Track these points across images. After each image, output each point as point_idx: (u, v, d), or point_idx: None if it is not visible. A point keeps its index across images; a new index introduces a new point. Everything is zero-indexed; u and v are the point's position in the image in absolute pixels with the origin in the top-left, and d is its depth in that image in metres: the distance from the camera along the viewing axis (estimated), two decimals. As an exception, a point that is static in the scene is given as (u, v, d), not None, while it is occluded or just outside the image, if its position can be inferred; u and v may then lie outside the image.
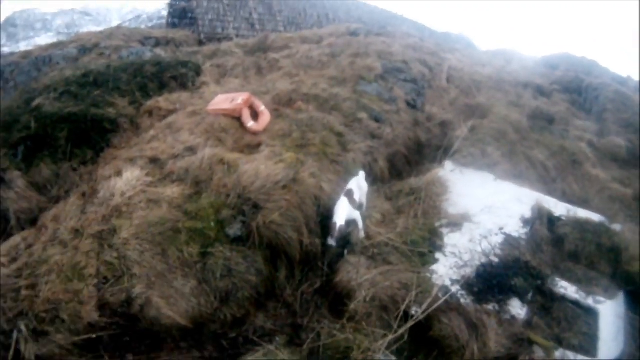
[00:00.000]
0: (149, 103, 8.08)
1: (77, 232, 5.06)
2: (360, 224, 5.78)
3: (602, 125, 11.79)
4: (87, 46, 13.24)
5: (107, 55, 12.19)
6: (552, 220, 6.71)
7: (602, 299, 5.63)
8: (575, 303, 5.59)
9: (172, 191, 5.57)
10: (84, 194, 5.90)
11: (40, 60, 12.65)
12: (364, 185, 6.22)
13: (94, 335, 4.33)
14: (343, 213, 5.45)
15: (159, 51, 11.96)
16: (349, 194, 5.70)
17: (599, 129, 11.53)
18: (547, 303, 5.50)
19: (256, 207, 5.51)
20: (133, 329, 4.53)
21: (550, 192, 7.55)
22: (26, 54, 13.83)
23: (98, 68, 9.33)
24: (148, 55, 11.22)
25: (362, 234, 5.74)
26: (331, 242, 5.40)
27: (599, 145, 10.41)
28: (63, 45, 13.90)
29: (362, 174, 6.27)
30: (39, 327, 4.19)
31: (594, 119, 12.34)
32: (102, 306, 4.47)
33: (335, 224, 5.32)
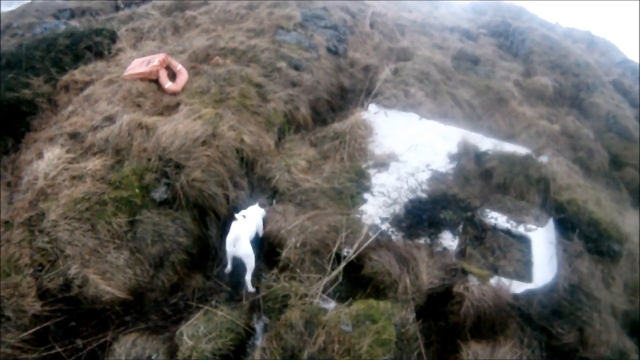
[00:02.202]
0: (65, 78, 7.76)
1: (7, 224, 4.97)
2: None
3: (529, 67, 12.13)
4: (-1, 28, 12.52)
5: (20, 34, 11.56)
6: (478, 155, 6.95)
7: (533, 226, 5.92)
8: (507, 232, 5.86)
9: (94, 164, 5.47)
10: (9, 184, 5.77)
11: (-48, 51, 11.92)
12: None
13: (41, 327, 4.31)
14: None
15: (74, 23, 11.41)
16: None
17: (525, 70, 11.87)
18: (479, 234, 5.75)
19: (178, 167, 5.48)
20: (77, 312, 4.54)
21: (477, 129, 7.76)
22: (-64, 45, 12.99)
23: (9, 49, 8.83)
24: (62, 28, 10.73)
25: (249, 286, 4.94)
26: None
27: (525, 85, 10.76)
28: (-25, 32, 13.09)
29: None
30: None
31: (521, 61, 12.67)
32: (43, 294, 4.46)
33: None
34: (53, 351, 4.24)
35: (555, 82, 10.99)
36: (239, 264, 4.97)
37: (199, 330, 4.29)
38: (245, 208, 5.31)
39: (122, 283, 4.71)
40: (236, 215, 4.97)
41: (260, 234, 5.36)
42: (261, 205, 5.45)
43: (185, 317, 4.59)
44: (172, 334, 4.41)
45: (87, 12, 13.15)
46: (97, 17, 12.29)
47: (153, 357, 4.25)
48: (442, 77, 9.36)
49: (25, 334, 4.19)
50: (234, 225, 4.84)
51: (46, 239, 4.76)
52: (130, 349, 4.26)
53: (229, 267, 5.08)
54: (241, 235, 4.79)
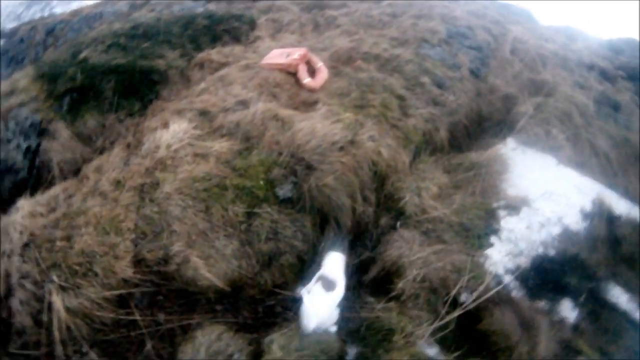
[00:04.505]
0: (201, 55, 7.80)
1: (118, 184, 4.86)
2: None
3: None
4: (137, 2, 13.08)
5: (159, 10, 11.96)
6: (611, 218, 6.11)
7: None
8: (624, 314, 5.09)
9: (221, 146, 5.26)
10: (128, 145, 5.71)
11: (91, 17, 12.56)
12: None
13: (126, 292, 4.17)
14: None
15: (212, 7, 11.62)
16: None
17: None
18: (597, 308, 5.03)
19: (309, 167, 5.14)
20: (167, 288, 4.33)
21: (612, 186, 6.88)
22: (76, 12, 13.83)
23: (148, 21, 9.11)
24: (200, 10, 10.92)
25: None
26: None
27: None
28: (114, 2, 13.79)
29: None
30: (71, 280, 4.03)
31: None
32: (138, 262, 4.29)
33: None
34: (131, 317, 4.10)
35: (697, 139, 9.75)
36: None
37: (291, 344, 3.92)
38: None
39: (223, 272, 4.43)
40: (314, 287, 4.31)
41: (342, 291, 4.45)
42: (338, 249, 4.83)
43: (278, 323, 4.27)
44: (260, 337, 4.09)
45: (225, -1, 13.44)
46: (235, 4, 12.48)
47: (235, 356, 3.91)
48: (583, 121, 8.48)
49: (108, 293, 4.06)
50: (310, 305, 4.16)
51: (156, 209, 4.58)
52: (214, 341, 3.96)
53: None
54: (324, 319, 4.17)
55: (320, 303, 4.20)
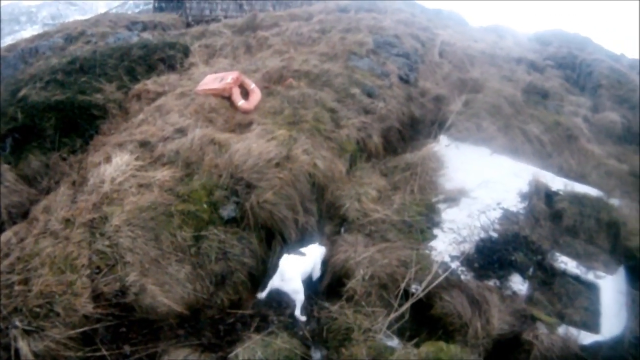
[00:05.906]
0: (137, 87, 7.94)
1: (68, 222, 4.92)
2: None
3: (597, 101, 11.62)
4: (73, 35, 12.96)
5: (94, 42, 11.95)
6: (549, 195, 6.67)
7: (602, 274, 5.58)
8: (576, 278, 5.53)
9: (163, 174, 5.41)
10: (74, 183, 5.77)
11: (26, 51, 12.36)
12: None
13: (90, 328, 4.20)
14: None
15: (146, 35, 11.73)
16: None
17: (593, 105, 11.35)
18: (547, 278, 5.44)
19: (249, 186, 5.37)
20: (129, 319, 4.41)
21: (547, 167, 7.47)
22: (11, 47, 13.55)
23: (84, 54, 9.15)
24: (135, 39, 11.02)
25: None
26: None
27: (593, 121, 10.25)
28: (48, 36, 13.62)
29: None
30: (34, 323, 4.05)
31: (588, 95, 12.14)
32: (97, 297, 4.34)
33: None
34: (98, 353, 4.12)
35: (624, 118, 10.45)
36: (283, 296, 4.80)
37: (255, 355, 4.07)
38: (309, 243, 5.20)
39: (180, 297, 4.58)
40: (292, 255, 4.84)
41: (316, 276, 5.16)
42: (322, 244, 5.29)
43: (241, 338, 4.38)
44: (225, 354, 4.22)
45: (159, 26, 13.58)
46: (169, 31, 12.62)
47: (203, 375, 4.07)
48: (513, 110, 9.07)
49: (72, 332, 4.08)
50: (285, 262, 4.69)
51: (107, 242, 4.67)
52: (181, 363, 4.09)
53: (264, 294, 4.85)
54: (293, 274, 4.66)
55: (293, 261, 4.71)
